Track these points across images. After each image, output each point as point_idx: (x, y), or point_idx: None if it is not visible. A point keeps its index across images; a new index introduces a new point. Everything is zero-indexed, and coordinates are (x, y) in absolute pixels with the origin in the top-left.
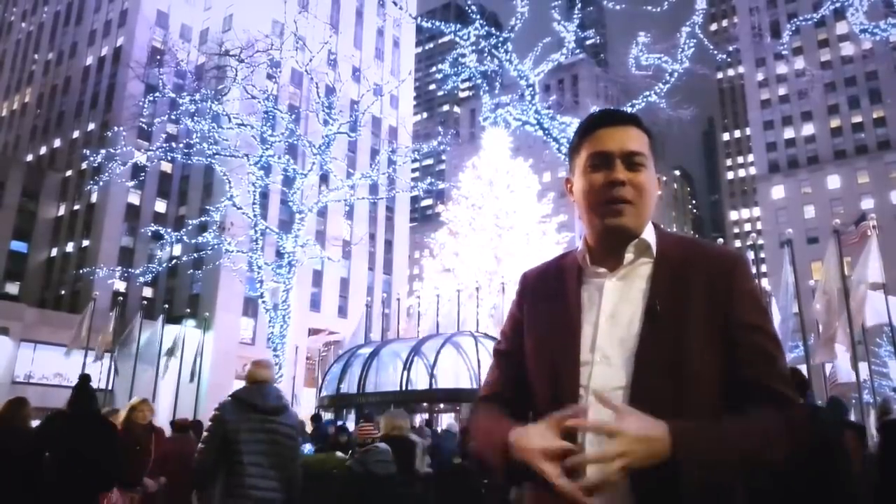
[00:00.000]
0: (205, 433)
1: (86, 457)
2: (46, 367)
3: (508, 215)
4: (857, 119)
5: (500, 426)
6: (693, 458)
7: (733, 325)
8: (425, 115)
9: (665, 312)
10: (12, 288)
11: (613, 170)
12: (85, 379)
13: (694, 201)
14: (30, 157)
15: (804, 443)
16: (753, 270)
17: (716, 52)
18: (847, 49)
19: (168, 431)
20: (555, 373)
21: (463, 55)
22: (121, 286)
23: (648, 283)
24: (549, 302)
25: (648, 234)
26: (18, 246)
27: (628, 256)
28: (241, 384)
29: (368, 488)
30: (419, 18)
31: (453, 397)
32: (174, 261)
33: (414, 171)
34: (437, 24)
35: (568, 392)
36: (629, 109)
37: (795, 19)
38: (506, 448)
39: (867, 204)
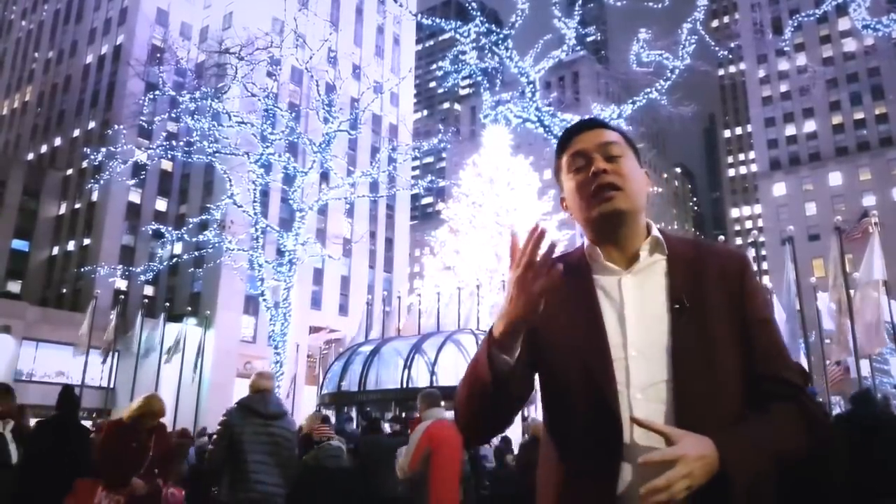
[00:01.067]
0: (214, 436)
1: (72, 456)
2: (48, 365)
3: (509, 213)
4: (860, 116)
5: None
6: (740, 468)
7: (748, 321)
8: (426, 112)
9: (691, 306)
10: (14, 286)
11: (593, 162)
12: (68, 389)
13: (695, 199)
14: (31, 156)
15: (825, 432)
16: (755, 268)
17: (717, 48)
18: (849, 45)
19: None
20: (586, 371)
21: (463, 52)
22: (122, 285)
23: (667, 279)
24: (561, 300)
25: (657, 233)
26: (20, 244)
27: (643, 253)
28: (242, 382)
29: (320, 480)
30: (419, 16)
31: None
32: (175, 259)
33: (414, 168)
34: (438, 21)
35: (606, 389)
36: (630, 106)
37: (797, 15)
38: (490, 340)
39: (869, 201)
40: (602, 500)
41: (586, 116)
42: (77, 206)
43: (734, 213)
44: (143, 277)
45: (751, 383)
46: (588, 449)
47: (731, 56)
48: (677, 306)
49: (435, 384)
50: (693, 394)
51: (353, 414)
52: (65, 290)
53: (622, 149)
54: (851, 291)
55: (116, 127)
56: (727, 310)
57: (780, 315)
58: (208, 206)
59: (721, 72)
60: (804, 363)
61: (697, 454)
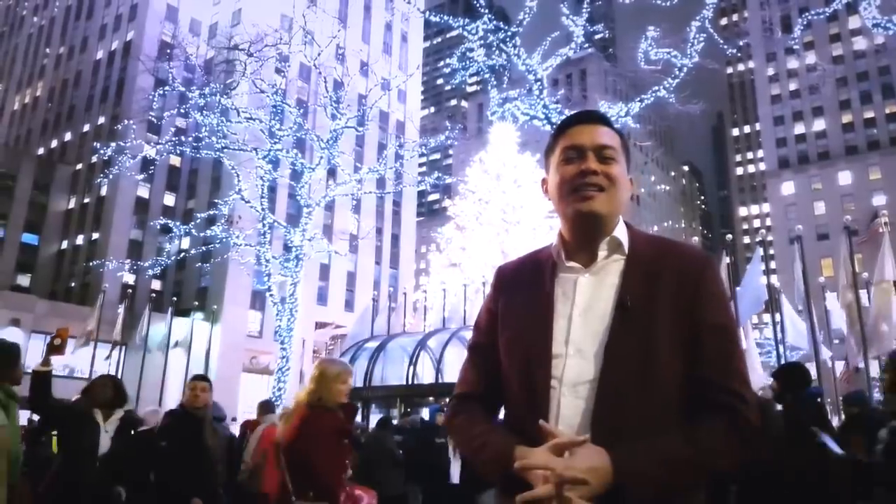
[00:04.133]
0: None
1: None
2: (56, 358)
3: (515, 210)
4: (870, 114)
5: (498, 438)
6: (635, 480)
7: (698, 323)
8: (433, 109)
9: (635, 307)
10: (23, 280)
11: (586, 160)
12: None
13: (703, 197)
14: (41, 151)
15: (753, 443)
16: (762, 267)
17: (726, 46)
18: (859, 43)
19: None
20: (527, 366)
21: (471, 49)
22: (130, 279)
23: (620, 279)
24: (523, 296)
25: (620, 232)
26: (29, 238)
27: (602, 253)
28: (248, 377)
29: None
30: (427, 13)
31: None
32: (182, 254)
33: (421, 165)
34: (445, 18)
35: (540, 384)
36: (637, 104)
37: (807, 13)
38: (508, 462)
39: (879, 200)
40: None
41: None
42: (86, 200)
43: (742, 211)
44: (150, 272)
45: (690, 386)
46: (521, 437)
47: (739, 54)
48: (620, 307)
49: (440, 381)
50: (616, 394)
51: (359, 410)
52: (73, 284)
53: (616, 154)
54: (862, 292)
55: (126, 122)
56: (676, 312)
57: (789, 314)
58: (216, 201)
59: (730, 70)
60: (812, 363)
61: (587, 465)
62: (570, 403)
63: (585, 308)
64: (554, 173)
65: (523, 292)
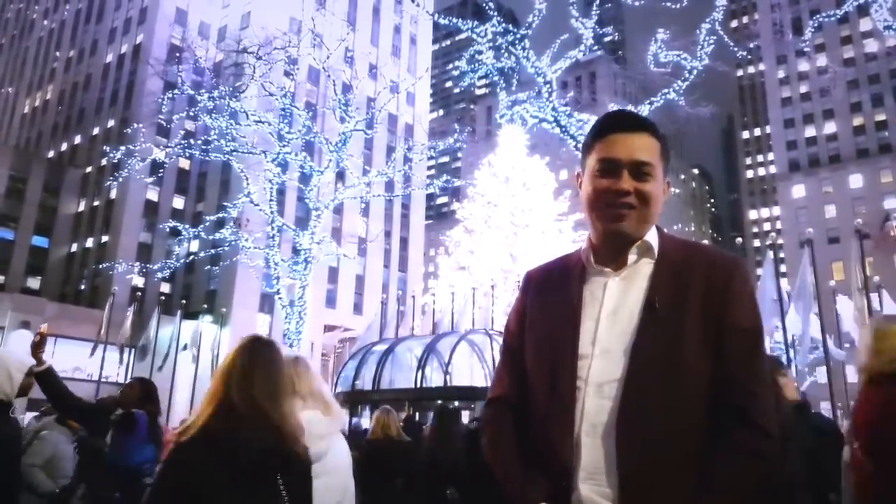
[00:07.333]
0: None
1: None
2: (66, 360)
3: (524, 213)
4: (881, 117)
5: (521, 486)
6: None
7: (724, 325)
8: (441, 112)
9: (663, 308)
10: (33, 282)
11: (620, 178)
12: None
13: (712, 200)
14: (51, 154)
15: (771, 456)
16: (772, 270)
17: (736, 48)
18: (871, 46)
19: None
20: (554, 365)
21: (480, 52)
22: (139, 281)
23: (649, 282)
24: (551, 299)
25: (651, 237)
26: (40, 241)
27: (631, 257)
28: None
29: None
30: (436, 15)
31: (468, 395)
32: (191, 257)
33: (430, 168)
34: (454, 21)
35: (566, 383)
36: (647, 107)
37: (818, 16)
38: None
39: (890, 204)
40: (554, 485)
41: (629, 108)
42: (96, 203)
43: (752, 214)
44: (159, 275)
45: (713, 385)
46: (545, 436)
47: (750, 56)
48: (649, 307)
49: (449, 384)
50: (641, 392)
51: (368, 412)
52: (83, 287)
53: (653, 170)
54: (873, 296)
55: (135, 125)
56: (705, 314)
57: (794, 317)
58: (225, 204)
59: (740, 72)
60: (823, 367)
61: None
62: (595, 402)
63: (613, 309)
64: (588, 182)
65: (551, 295)
